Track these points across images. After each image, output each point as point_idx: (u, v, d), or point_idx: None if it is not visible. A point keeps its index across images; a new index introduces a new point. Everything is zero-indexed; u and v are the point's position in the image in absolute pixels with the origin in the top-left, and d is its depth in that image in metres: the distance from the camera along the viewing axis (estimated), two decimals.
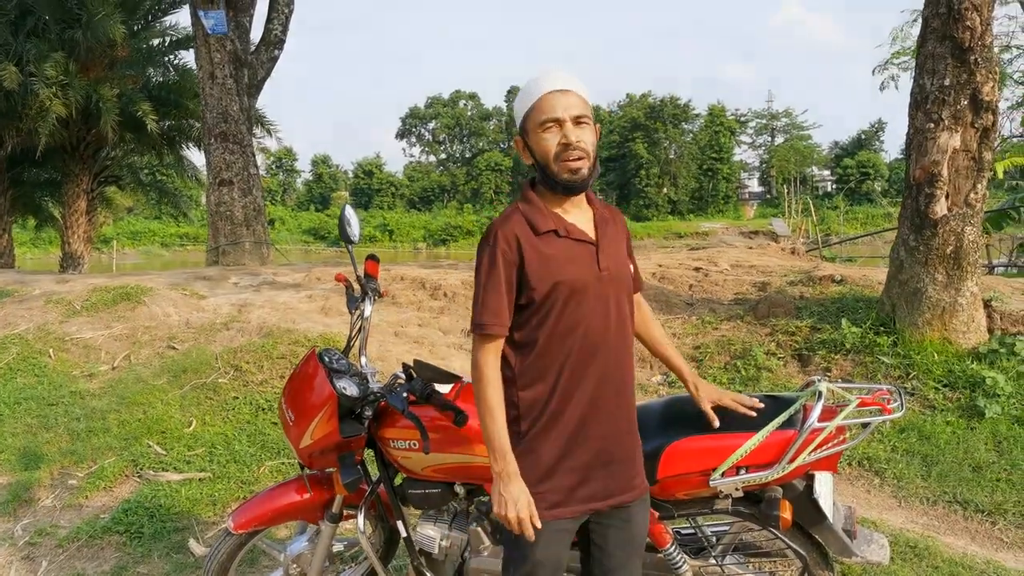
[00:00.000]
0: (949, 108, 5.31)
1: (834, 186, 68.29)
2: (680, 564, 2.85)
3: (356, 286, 3.28)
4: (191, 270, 10.36)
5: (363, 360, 3.16)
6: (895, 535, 3.79)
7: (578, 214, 2.28)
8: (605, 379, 2.24)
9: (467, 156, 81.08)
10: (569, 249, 2.21)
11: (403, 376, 2.97)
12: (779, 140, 74.90)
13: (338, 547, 3.46)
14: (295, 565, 3.33)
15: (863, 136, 73.26)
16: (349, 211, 3.21)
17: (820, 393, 2.63)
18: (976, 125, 5.31)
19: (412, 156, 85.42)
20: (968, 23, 5.20)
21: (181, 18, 34.11)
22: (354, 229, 3.19)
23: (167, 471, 4.87)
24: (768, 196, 72.27)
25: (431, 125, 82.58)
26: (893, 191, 60.55)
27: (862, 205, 61.59)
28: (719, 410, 2.76)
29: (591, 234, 2.27)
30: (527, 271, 2.17)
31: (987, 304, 5.63)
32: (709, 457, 2.66)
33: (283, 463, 4.91)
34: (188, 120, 19.11)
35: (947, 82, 5.31)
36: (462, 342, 6.50)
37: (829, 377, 5.26)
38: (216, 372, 5.97)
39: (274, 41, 12.07)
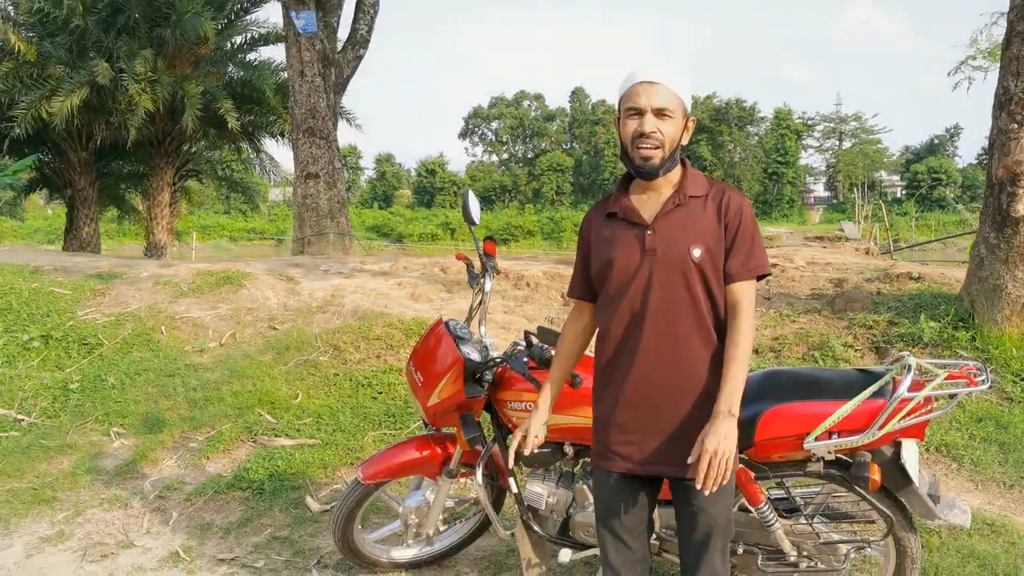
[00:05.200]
0: None
1: (903, 191, 66.89)
2: (772, 522, 3.09)
3: (477, 264, 3.59)
4: (282, 258, 10.88)
5: (482, 330, 3.48)
6: (973, 513, 3.97)
7: (651, 198, 2.45)
8: (651, 352, 2.40)
9: (529, 156, 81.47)
10: (621, 230, 2.45)
11: (523, 344, 3.29)
12: (847, 144, 73.63)
13: (449, 503, 3.79)
14: (413, 516, 3.68)
15: (936, 141, 71.65)
16: (471, 196, 3.52)
17: (910, 366, 2.87)
18: None
19: (474, 156, 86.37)
20: None
21: (260, 14, 35.11)
22: (474, 212, 3.50)
23: (279, 437, 5.27)
24: (834, 201, 71.14)
25: (494, 125, 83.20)
26: (967, 197, 59.11)
27: (933, 211, 60.23)
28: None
29: (649, 218, 2.41)
30: (591, 249, 2.54)
31: None
32: (804, 422, 2.92)
33: (385, 433, 5.27)
34: (267, 116, 19.78)
35: None
36: (548, 327, 6.80)
37: None
38: (316, 351, 6.37)
39: (360, 40, 12.55)
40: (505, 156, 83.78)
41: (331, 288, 7.77)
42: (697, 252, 2.37)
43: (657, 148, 2.33)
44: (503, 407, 3.29)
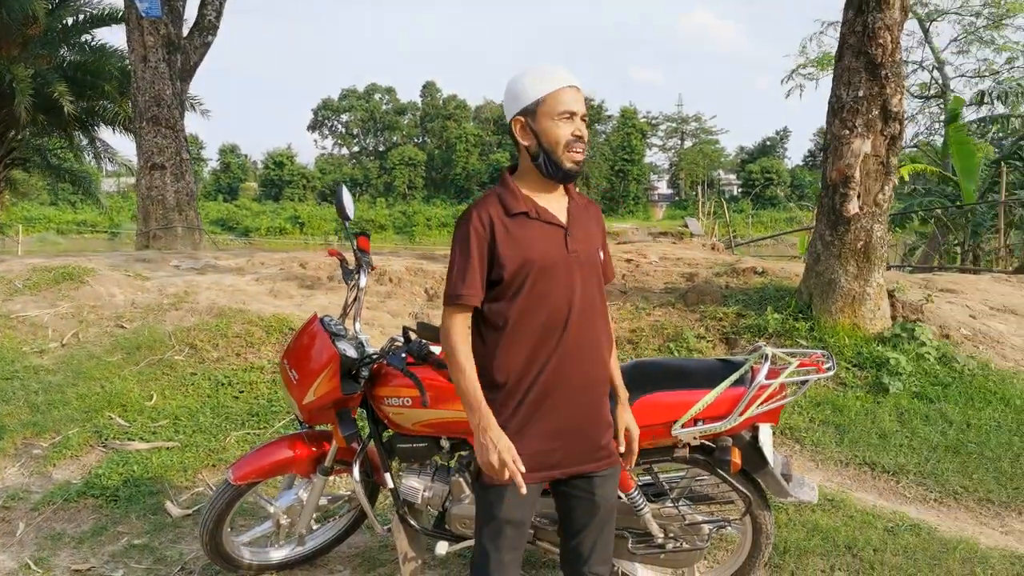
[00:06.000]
0: (862, 117, 5.90)
1: (739, 190, 70.62)
2: (642, 507, 3.25)
3: (350, 260, 3.57)
4: (128, 252, 10.32)
5: (357, 326, 3.47)
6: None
7: (555, 200, 2.46)
8: (570, 354, 2.41)
9: (380, 150, 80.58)
10: (539, 230, 2.38)
11: (400, 340, 3.31)
12: (688, 144, 76.98)
13: (322, 501, 3.75)
14: (285, 516, 3.63)
15: (768, 143, 76.05)
16: (345, 192, 3.51)
17: (767, 356, 3.09)
18: (885, 133, 5.91)
19: (324, 148, 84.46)
20: (880, 41, 5.80)
21: None
22: (348, 208, 3.47)
23: (133, 440, 5.04)
24: (677, 198, 74.23)
25: (344, 118, 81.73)
26: (795, 196, 63.12)
27: (766, 209, 63.95)
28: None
29: (562, 219, 2.44)
30: (498, 249, 2.33)
31: (891, 294, 6.26)
32: (671, 410, 3.09)
33: (249, 433, 5.13)
34: (102, 102, 18.71)
35: (861, 93, 5.90)
36: (411, 324, 6.79)
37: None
38: (171, 350, 6.12)
39: (208, 27, 12.06)
40: (356, 149, 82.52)
41: (183, 284, 7.46)
42: (600, 254, 2.55)
43: (584, 152, 2.41)
44: (380, 403, 3.29)
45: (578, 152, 2.38)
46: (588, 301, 2.45)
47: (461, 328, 2.38)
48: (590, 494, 2.51)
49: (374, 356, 3.28)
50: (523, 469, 2.31)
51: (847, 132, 5.96)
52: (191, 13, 12.20)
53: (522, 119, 2.38)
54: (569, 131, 2.35)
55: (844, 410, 5.27)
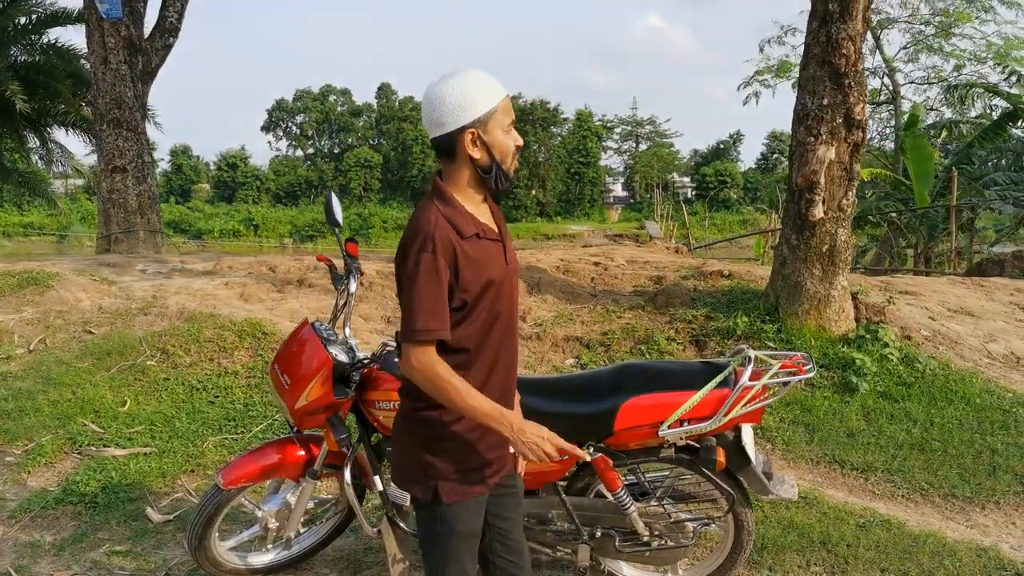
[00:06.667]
0: (827, 124, 6.07)
1: (694, 192, 71.42)
2: (628, 506, 3.34)
3: (339, 265, 3.60)
4: (92, 257, 10.17)
5: (347, 331, 3.50)
6: None
7: (483, 211, 2.39)
8: (511, 364, 2.47)
9: (336, 152, 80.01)
10: (487, 249, 2.32)
11: (392, 344, 3.35)
12: (643, 147, 77.61)
13: (309, 505, 3.77)
14: (274, 520, 3.65)
15: (721, 146, 77.03)
16: (334, 198, 3.54)
17: (750, 358, 3.19)
18: (848, 140, 6.09)
19: (279, 150, 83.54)
20: (844, 51, 5.97)
21: None
22: (338, 214, 3.51)
23: (108, 447, 5.00)
24: (632, 200, 74.82)
25: (299, 119, 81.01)
26: (748, 199, 64.06)
27: (719, 211, 64.77)
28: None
29: (496, 231, 2.40)
30: (461, 274, 2.22)
31: (854, 296, 6.45)
32: (658, 412, 3.19)
33: (227, 438, 5.12)
34: (55, 102, 18.37)
35: (825, 101, 6.07)
36: (383, 328, 6.83)
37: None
38: (142, 355, 6.06)
39: (169, 28, 11.90)
40: (311, 151, 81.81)
41: (151, 288, 7.39)
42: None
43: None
44: (370, 407, 3.34)
45: (516, 160, 2.36)
46: (515, 312, 2.48)
47: (438, 359, 2.23)
48: (514, 489, 2.65)
49: (366, 361, 3.33)
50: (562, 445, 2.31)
51: (812, 139, 6.12)
52: (152, 15, 12.08)
53: (473, 131, 2.24)
54: (513, 142, 2.31)
55: (813, 410, 5.42)
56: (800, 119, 6.26)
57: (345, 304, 3.52)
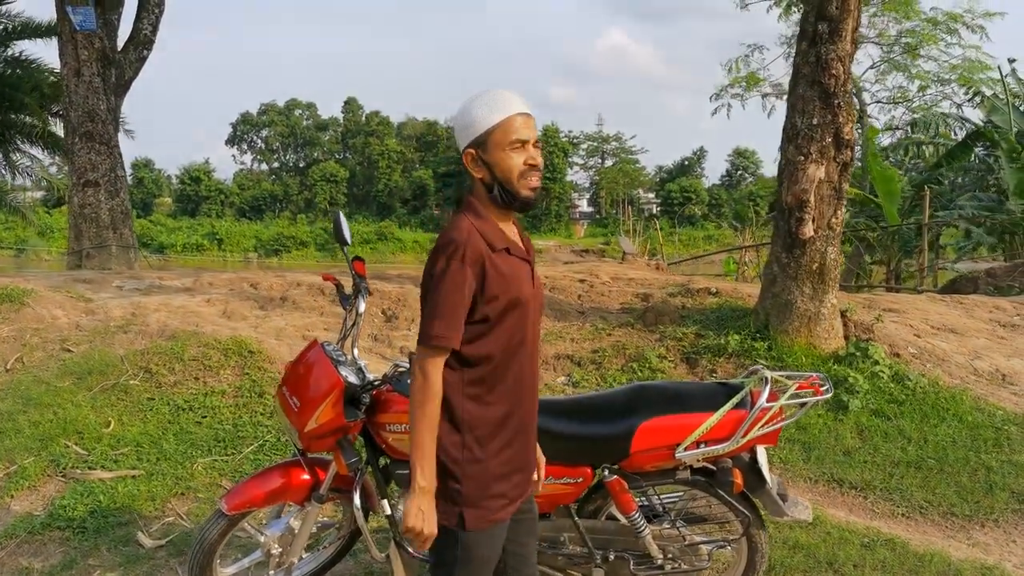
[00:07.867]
0: (816, 144, 6.11)
1: (659, 208, 71.95)
2: (642, 528, 3.30)
3: (347, 284, 3.53)
4: (66, 272, 9.94)
5: (355, 352, 3.43)
6: None
7: (512, 231, 2.42)
8: (532, 388, 2.47)
9: (301, 166, 79.57)
10: (516, 266, 2.34)
11: (404, 366, 3.28)
12: (609, 163, 78.14)
13: (312, 529, 3.68)
14: (276, 545, 3.55)
15: (685, 162, 77.79)
16: (342, 218, 3.48)
17: (767, 379, 3.17)
18: (837, 160, 6.14)
19: (243, 164, 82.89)
20: (833, 71, 6.03)
21: (15, 6, 31.73)
22: (346, 233, 3.45)
23: (94, 469, 4.85)
24: (597, 216, 75.23)
25: (264, 133, 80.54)
26: (713, 215, 64.68)
27: (684, 227, 65.29)
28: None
29: (523, 249, 2.42)
30: (487, 287, 2.24)
31: (843, 314, 6.49)
32: (675, 433, 3.16)
33: (216, 460, 5.00)
34: (21, 115, 18.10)
35: (815, 121, 6.12)
36: (371, 346, 6.74)
37: (715, 376, 5.91)
38: (124, 374, 5.91)
39: (143, 41, 11.73)
40: (276, 165, 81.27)
41: (130, 305, 7.23)
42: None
43: (539, 179, 2.36)
44: (380, 430, 3.26)
45: (535, 179, 2.33)
46: (538, 335, 2.50)
47: (439, 373, 2.26)
48: (531, 514, 2.67)
49: (376, 383, 3.25)
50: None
51: (802, 158, 6.16)
52: (126, 27, 11.91)
53: (473, 151, 2.31)
54: (522, 160, 2.29)
55: (808, 428, 5.42)
56: (790, 138, 6.31)
57: (353, 324, 3.44)
